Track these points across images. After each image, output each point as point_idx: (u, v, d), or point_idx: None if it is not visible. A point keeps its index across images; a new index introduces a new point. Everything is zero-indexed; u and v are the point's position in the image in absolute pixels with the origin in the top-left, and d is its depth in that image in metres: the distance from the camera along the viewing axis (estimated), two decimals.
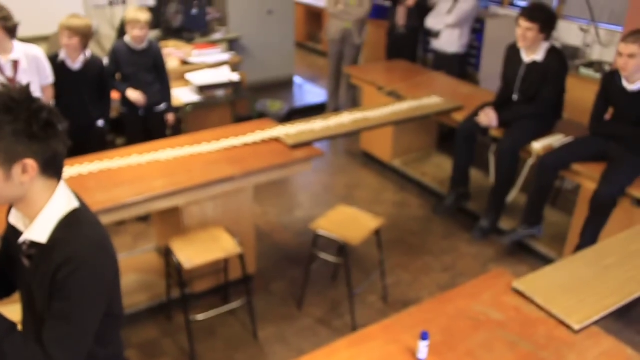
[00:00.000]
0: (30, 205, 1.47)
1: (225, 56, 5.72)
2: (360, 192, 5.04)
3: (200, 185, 3.25)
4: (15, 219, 1.56)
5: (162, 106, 4.47)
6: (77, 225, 1.49)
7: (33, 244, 1.49)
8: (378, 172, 5.41)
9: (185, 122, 4.91)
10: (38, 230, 1.47)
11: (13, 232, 1.57)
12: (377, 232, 3.49)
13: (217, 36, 6.59)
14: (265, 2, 7.21)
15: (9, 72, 3.67)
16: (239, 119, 5.22)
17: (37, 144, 1.39)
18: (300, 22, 9.34)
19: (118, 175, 3.24)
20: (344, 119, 4.10)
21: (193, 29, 6.38)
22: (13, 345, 1.39)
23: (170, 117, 4.55)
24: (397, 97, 4.83)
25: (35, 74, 3.73)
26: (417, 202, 4.88)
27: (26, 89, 1.42)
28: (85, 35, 3.88)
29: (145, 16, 4.17)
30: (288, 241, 4.33)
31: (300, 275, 3.75)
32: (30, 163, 1.40)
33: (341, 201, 4.32)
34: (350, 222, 3.43)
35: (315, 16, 9.46)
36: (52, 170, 1.46)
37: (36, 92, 3.80)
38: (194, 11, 6.39)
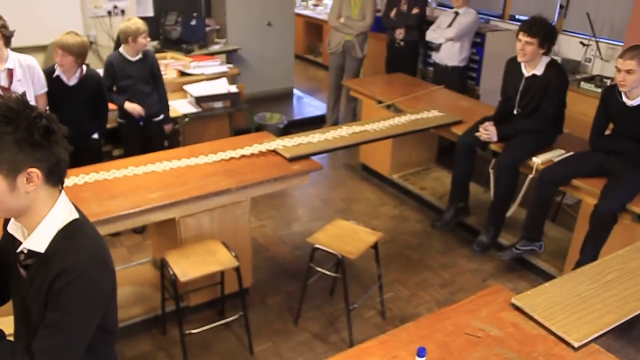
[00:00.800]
0: (32, 214, 1.46)
1: (224, 68, 5.72)
2: (359, 206, 5.00)
3: (197, 197, 3.21)
4: (13, 228, 1.55)
5: (160, 117, 4.45)
6: (76, 236, 1.48)
7: (31, 253, 1.48)
8: (377, 186, 5.38)
9: (183, 134, 4.89)
10: (37, 239, 1.46)
11: (11, 242, 1.56)
12: (375, 247, 3.45)
13: (215, 48, 6.59)
14: (264, 14, 7.22)
15: (3, 81, 3.66)
16: (237, 131, 5.20)
17: (39, 151, 1.39)
18: (300, 34, 9.36)
19: (114, 187, 3.21)
20: (343, 132, 4.08)
21: (192, 41, 6.39)
22: (3, 352, 1.37)
23: (168, 127, 4.53)
24: (396, 110, 4.81)
25: (29, 84, 3.73)
26: (415, 216, 4.85)
27: (23, 97, 1.42)
28: (80, 54, 3.82)
29: (135, 27, 4.17)
30: (285, 255, 4.29)
31: (297, 289, 3.71)
32: (35, 171, 1.39)
33: (339, 215, 4.29)
34: (348, 236, 3.39)
35: (315, 28, 9.49)
36: (55, 178, 1.46)
37: (31, 101, 3.76)
38: (193, 22, 6.40)
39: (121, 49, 4.30)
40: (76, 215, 1.52)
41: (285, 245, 4.40)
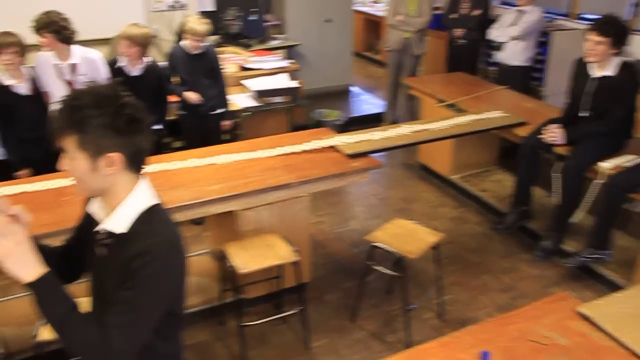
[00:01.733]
0: (112, 196, 1.52)
1: (284, 63, 5.74)
2: (417, 206, 4.94)
3: (257, 191, 3.23)
4: (94, 208, 1.61)
5: (219, 111, 4.50)
6: (155, 220, 1.53)
7: (110, 234, 1.53)
8: (436, 187, 5.29)
9: (242, 128, 4.93)
10: (118, 220, 1.51)
11: (89, 221, 1.62)
12: (436, 247, 3.39)
13: (274, 43, 6.61)
14: (323, 10, 7.22)
15: (68, 75, 3.86)
16: (295, 127, 5.21)
17: (122, 138, 1.43)
18: (359, 31, 9.32)
19: (175, 178, 3.26)
20: (404, 130, 4.03)
21: (251, 35, 6.44)
22: (78, 323, 1.42)
23: (227, 123, 4.58)
24: (457, 110, 4.72)
25: (92, 76, 3.87)
26: (475, 218, 4.74)
27: (114, 85, 1.49)
28: (144, 45, 3.96)
29: (203, 28, 4.24)
30: (342, 252, 4.27)
31: (355, 286, 3.69)
32: (116, 156, 1.44)
33: (397, 214, 4.24)
34: (408, 236, 3.34)
35: (373, 25, 9.42)
36: (136, 164, 1.51)
37: None
38: (253, 17, 6.45)
39: (182, 42, 4.37)
40: (156, 201, 1.57)
41: (343, 242, 4.38)
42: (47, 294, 1.42)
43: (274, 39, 6.73)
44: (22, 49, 3.73)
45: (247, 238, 3.26)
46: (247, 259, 3.05)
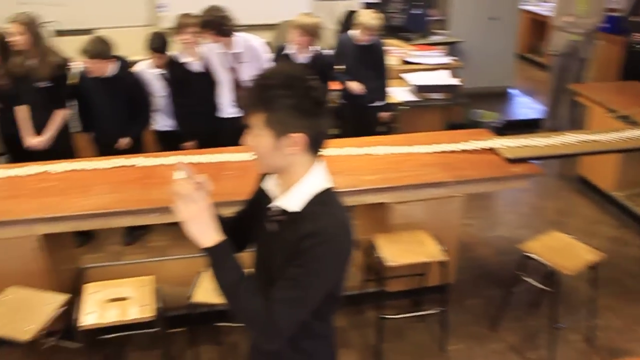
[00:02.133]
0: (289, 175, 1.56)
1: (446, 59, 5.63)
2: (572, 221, 4.65)
3: (411, 185, 3.22)
4: (269, 185, 1.66)
5: (378, 103, 4.53)
6: (329, 203, 1.56)
7: (283, 211, 1.57)
8: (595, 202, 4.95)
9: (398, 121, 4.92)
10: (293, 199, 1.55)
11: (262, 197, 1.68)
12: (594, 267, 3.17)
13: (436, 38, 6.51)
14: (489, 8, 6.99)
15: (231, 62, 4.13)
16: (451, 125, 5.11)
17: (307, 120, 1.47)
18: (523, 31, 8.88)
19: (332, 164, 3.29)
20: (569, 139, 3.79)
21: (413, 29, 6.38)
22: (247, 291, 1.48)
23: (385, 115, 4.59)
24: (630, 122, 4.36)
25: (253, 62, 4.10)
26: (638, 241, 4.38)
27: (302, 67, 1.53)
28: (314, 34, 4.09)
29: (376, 23, 4.33)
30: (489, 258, 4.14)
31: (499, 295, 3.56)
32: (300, 137, 1.48)
33: (550, 226, 4.00)
34: (564, 250, 3.16)
35: (539, 26, 8.95)
36: (315, 147, 1.54)
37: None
38: (416, 11, 6.38)
39: (350, 32, 4.44)
40: (331, 185, 1.60)
41: (490, 248, 4.25)
42: (221, 260, 1.49)
43: (436, 34, 6.62)
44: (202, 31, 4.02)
45: (396, 231, 3.26)
46: (396, 252, 3.05)
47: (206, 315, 3.10)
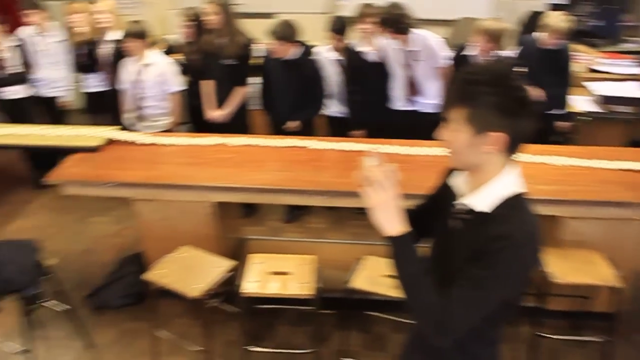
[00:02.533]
0: (481, 174, 1.52)
1: (638, 70, 5.16)
2: None
3: (588, 202, 3.01)
4: (457, 181, 1.64)
5: (555, 111, 4.28)
6: (520, 209, 1.50)
7: (471, 210, 1.54)
8: None
9: (578, 132, 4.61)
10: (482, 199, 1.51)
11: (447, 193, 1.65)
12: None
13: (629, 46, 5.98)
14: None
15: (407, 59, 4.18)
16: (635, 142, 4.68)
17: (509, 119, 1.42)
18: None
19: None
20: None
21: (602, 35, 5.94)
22: (426, 285, 1.47)
23: (563, 124, 4.33)
24: None
25: (429, 61, 4.16)
26: None
27: (509, 66, 1.47)
28: (498, 41, 3.92)
29: (565, 26, 4.10)
30: None
31: None
32: (499, 136, 1.44)
33: None
34: None
35: None
36: (513, 148, 1.48)
37: (431, 75, 4.24)
38: (608, 16, 5.93)
39: (534, 34, 4.22)
40: (524, 190, 1.53)
41: None
42: (404, 251, 1.49)
43: (628, 41, 6.09)
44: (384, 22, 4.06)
45: (566, 248, 3.07)
46: (564, 269, 2.87)
47: (359, 302, 3.14)
